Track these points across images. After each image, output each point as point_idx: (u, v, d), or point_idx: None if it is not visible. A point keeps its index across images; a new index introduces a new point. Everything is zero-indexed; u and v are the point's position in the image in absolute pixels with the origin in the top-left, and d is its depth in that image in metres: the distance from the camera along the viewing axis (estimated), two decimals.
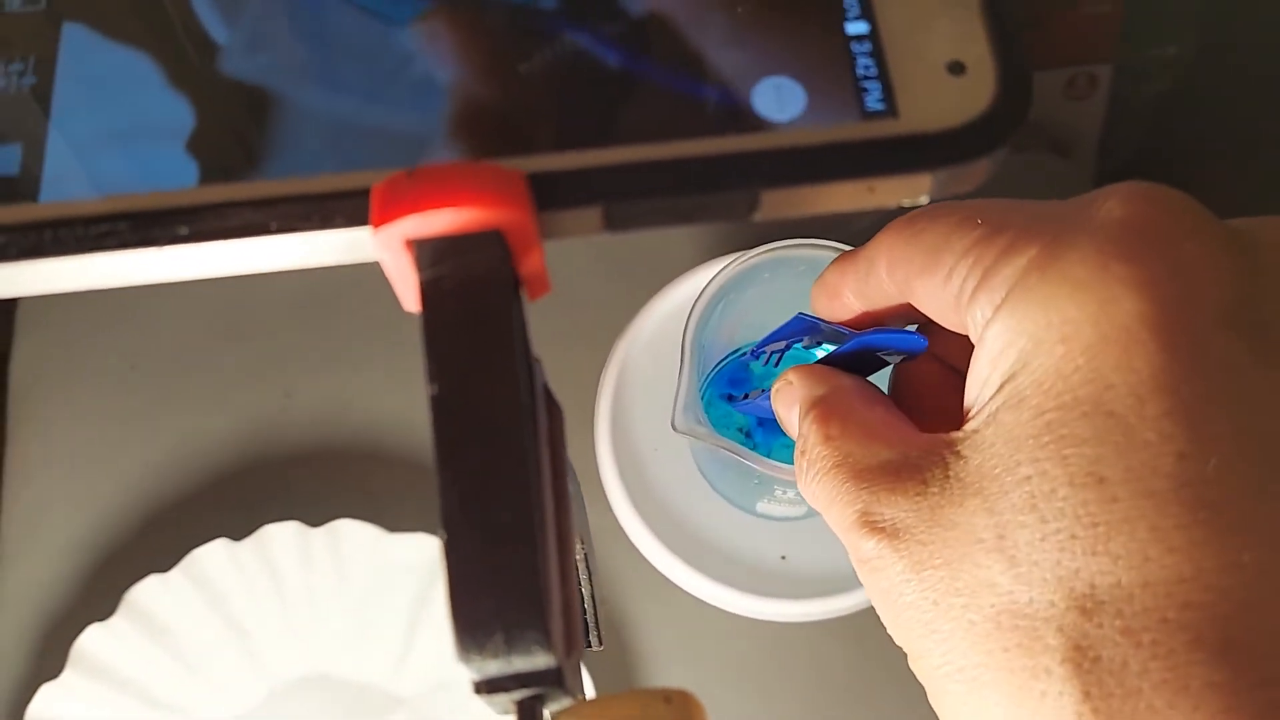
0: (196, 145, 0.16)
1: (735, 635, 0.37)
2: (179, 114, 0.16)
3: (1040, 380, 0.16)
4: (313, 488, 0.40)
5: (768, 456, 0.29)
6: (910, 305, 0.20)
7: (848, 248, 0.29)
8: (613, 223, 0.16)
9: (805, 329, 0.22)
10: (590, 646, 0.23)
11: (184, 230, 0.15)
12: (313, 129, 0.16)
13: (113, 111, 0.16)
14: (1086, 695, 0.15)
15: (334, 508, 0.39)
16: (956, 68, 0.16)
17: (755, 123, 0.16)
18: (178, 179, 0.16)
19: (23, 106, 0.16)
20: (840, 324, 0.22)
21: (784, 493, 0.32)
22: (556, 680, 0.15)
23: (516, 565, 0.14)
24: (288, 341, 0.42)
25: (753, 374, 0.34)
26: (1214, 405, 0.16)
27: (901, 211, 0.17)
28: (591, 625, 0.22)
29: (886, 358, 0.22)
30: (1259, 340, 0.16)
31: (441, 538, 0.15)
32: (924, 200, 0.16)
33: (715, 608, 0.34)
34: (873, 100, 0.16)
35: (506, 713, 0.16)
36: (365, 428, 0.41)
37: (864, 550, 0.18)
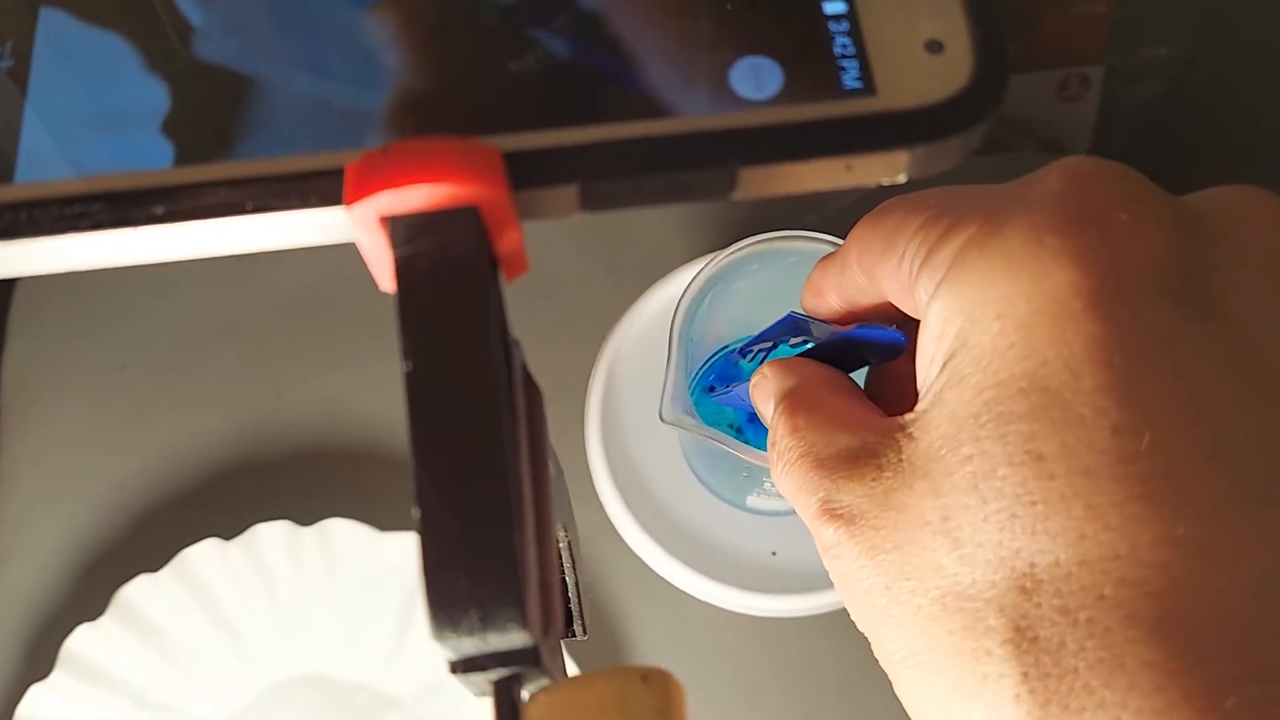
0: (172, 127, 0.16)
1: (725, 630, 0.36)
2: (155, 96, 0.16)
3: (978, 357, 0.16)
4: (303, 487, 0.40)
5: (758, 450, 0.29)
6: (889, 303, 0.20)
7: (839, 240, 0.29)
8: (589, 202, 0.16)
9: (794, 327, 0.22)
10: (575, 635, 0.22)
11: (159, 210, 0.15)
12: (289, 110, 0.16)
13: (89, 94, 0.16)
14: (1024, 676, 0.15)
15: (325, 507, 0.38)
16: (934, 46, 0.16)
17: (733, 101, 0.16)
18: (154, 160, 0.16)
19: None
20: (827, 322, 0.22)
21: (773, 485, 0.32)
22: (534, 660, 0.15)
23: (492, 542, 0.14)
24: (278, 341, 0.42)
25: (742, 371, 0.34)
26: (1149, 377, 0.15)
27: (881, 192, 0.17)
28: (576, 614, 0.22)
29: (870, 357, 0.22)
30: (1197, 308, 0.16)
31: (415, 515, 0.14)
32: (902, 179, 0.16)
33: (705, 603, 0.34)
34: (850, 78, 0.16)
35: (484, 694, 0.16)
36: (356, 427, 0.41)
37: (825, 538, 0.18)
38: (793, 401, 0.20)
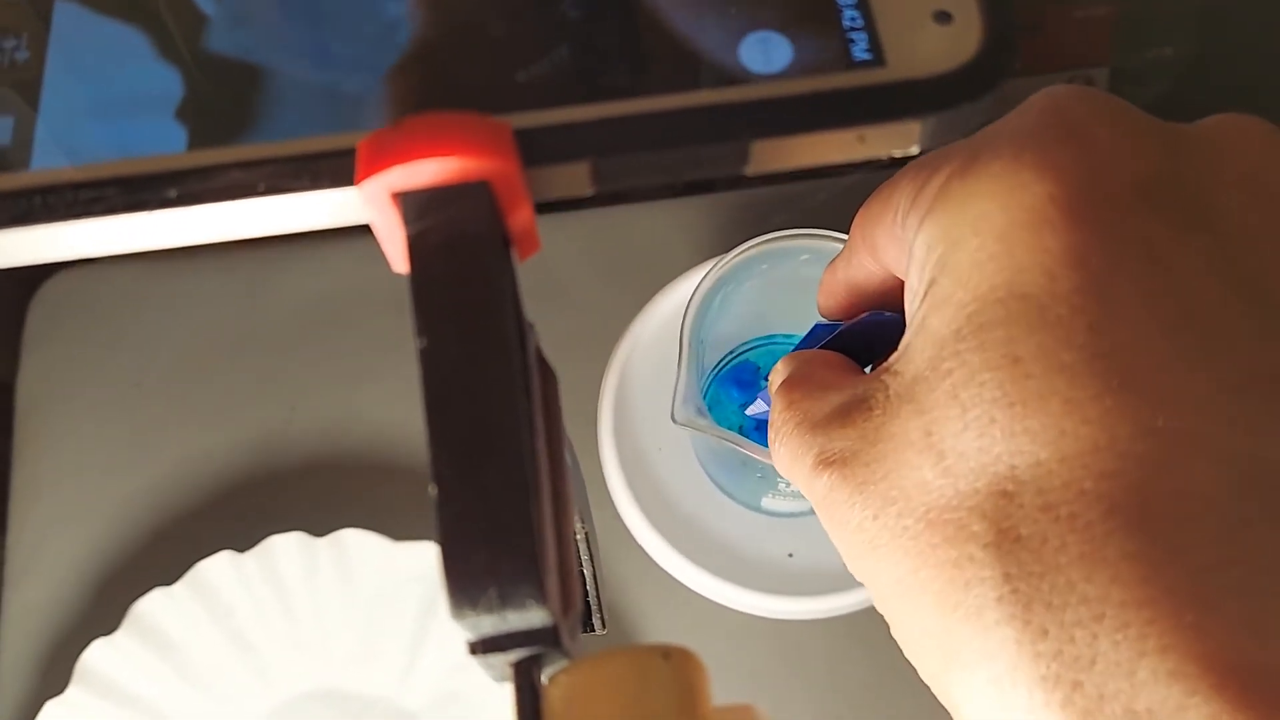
0: (186, 112, 0.16)
1: (741, 633, 0.36)
2: (169, 84, 0.16)
3: (958, 276, 0.16)
4: (317, 500, 0.40)
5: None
6: (896, 284, 0.20)
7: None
8: (601, 178, 0.16)
9: (823, 335, 0.22)
10: (593, 630, 0.22)
11: (173, 193, 0.15)
12: (301, 93, 0.16)
13: (103, 82, 0.16)
14: (1007, 576, 0.15)
15: (339, 518, 0.38)
16: (943, 16, 0.16)
17: (743, 75, 0.16)
18: (167, 145, 0.16)
19: (16, 80, 0.16)
20: (842, 320, 0.22)
21: (787, 486, 0.32)
22: (553, 639, 0.15)
23: (509, 519, 0.14)
24: (290, 354, 0.42)
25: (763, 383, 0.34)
26: (1127, 278, 0.15)
27: (894, 164, 0.17)
28: (595, 607, 0.22)
29: (880, 345, 0.21)
30: (1182, 221, 0.16)
31: (432, 493, 0.14)
32: (914, 150, 0.16)
33: (721, 606, 0.34)
34: (860, 50, 0.16)
35: (504, 677, 0.16)
36: (368, 438, 0.41)
37: (818, 490, 0.17)
38: (789, 382, 0.20)
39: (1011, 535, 0.15)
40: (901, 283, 0.19)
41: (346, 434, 0.41)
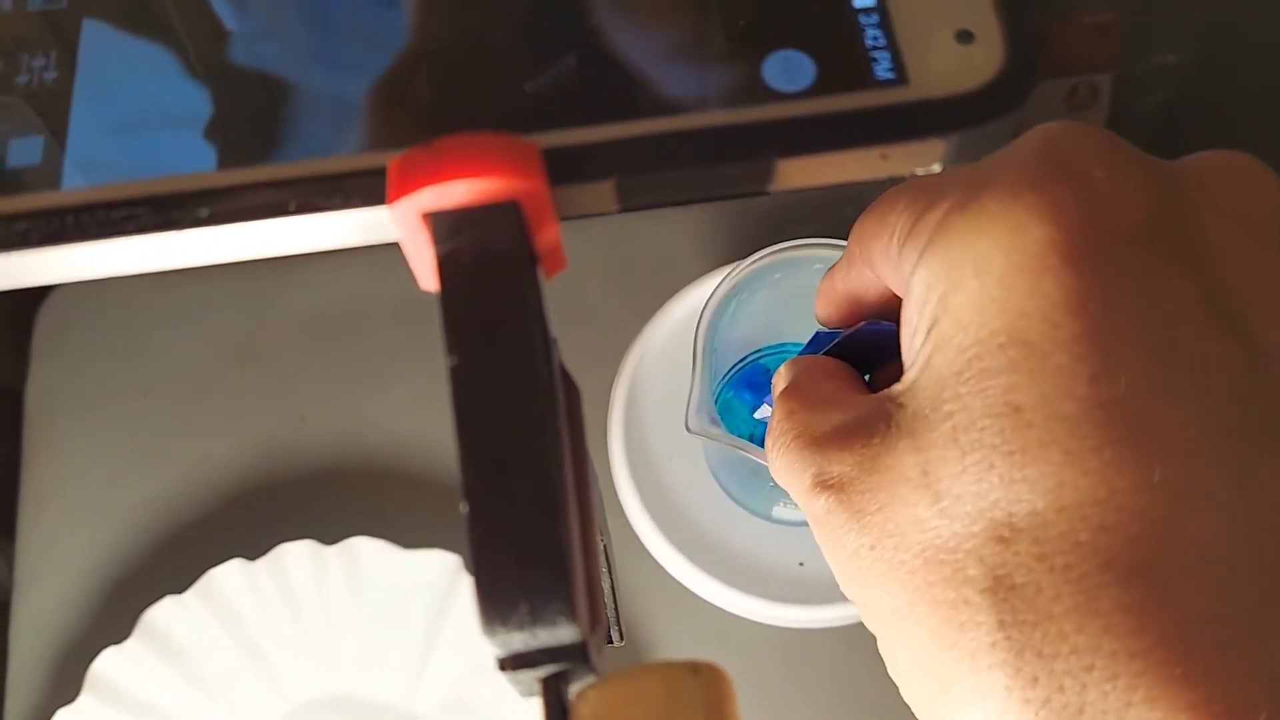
0: (215, 131, 0.16)
1: (753, 642, 0.36)
2: (197, 102, 0.16)
3: (959, 318, 0.16)
4: (327, 508, 0.40)
5: None
6: (892, 295, 0.20)
7: None
8: (626, 197, 0.16)
9: (824, 342, 0.22)
10: (611, 642, 0.22)
11: (204, 213, 0.15)
12: (329, 111, 0.16)
13: (133, 102, 0.17)
14: (1001, 624, 0.15)
15: (349, 526, 0.38)
16: (965, 36, 0.16)
17: (767, 94, 0.16)
18: (197, 164, 0.16)
19: (45, 99, 0.17)
20: (840, 328, 0.22)
21: None
22: (582, 655, 0.15)
23: (540, 536, 0.14)
24: (299, 363, 0.42)
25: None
26: (1125, 323, 0.15)
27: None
28: (613, 619, 0.22)
29: (876, 354, 0.21)
30: (1173, 256, 0.16)
31: (463, 510, 0.14)
32: (937, 167, 0.16)
33: (732, 614, 0.34)
34: (882, 69, 0.16)
35: (531, 693, 0.16)
36: (378, 446, 0.41)
37: (815, 509, 0.18)
38: (789, 390, 0.20)
39: (1006, 583, 0.15)
40: (894, 297, 0.20)
41: (356, 442, 0.41)
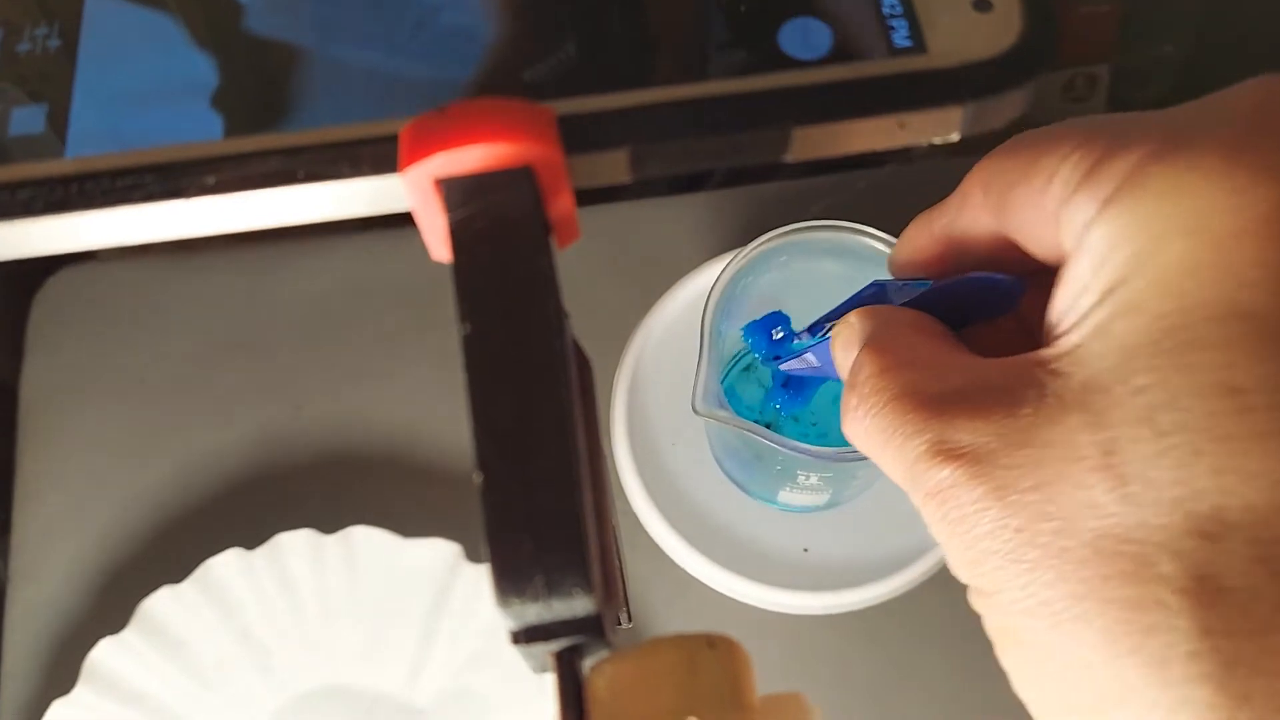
0: (222, 100, 0.16)
1: (757, 628, 0.36)
2: (203, 71, 0.16)
3: (1159, 280, 0.14)
4: (325, 497, 0.40)
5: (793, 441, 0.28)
6: (1010, 246, 0.18)
7: (869, 229, 0.29)
8: (642, 164, 0.16)
9: (878, 296, 0.20)
10: (620, 623, 0.22)
11: (211, 180, 0.15)
12: (339, 81, 0.16)
13: (137, 69, 0.16)
14: (1206, 632, 0.13)
15: (347, 515, 0.38)
16: (983, 4, 0.16)
17: (783, 61, 0.16)
18: (204, 133, 0.16)
19: (49, 67, 0.16)
20: (926, 279, 0.20)
21: (806, 478, 0.32)
22: (597, 628, 0.15)
23: (556, 508, 0.14)
24: (297, 351, 0.42)
25: (795, 350, 0.33)
26: None
27: (932, 150, 0.17)
28: (623, 600, 0.22)
29: (976, 311, 0.19)
30: None
31: (477, 480, 0.14)
32: (954, 136, 0.16)
33: (737, 601, 0.34)
34: (900, 37, 0.16)
35: (545, 668, 0.15)
36: (377, 436, 0.41)
37: (935, 480, 0.16)
38: (879, 342, 0.18)
39: (1212, 585, 0.14)
40: (1014, 245, 0.18)
41: (355, 430, 0.41)
